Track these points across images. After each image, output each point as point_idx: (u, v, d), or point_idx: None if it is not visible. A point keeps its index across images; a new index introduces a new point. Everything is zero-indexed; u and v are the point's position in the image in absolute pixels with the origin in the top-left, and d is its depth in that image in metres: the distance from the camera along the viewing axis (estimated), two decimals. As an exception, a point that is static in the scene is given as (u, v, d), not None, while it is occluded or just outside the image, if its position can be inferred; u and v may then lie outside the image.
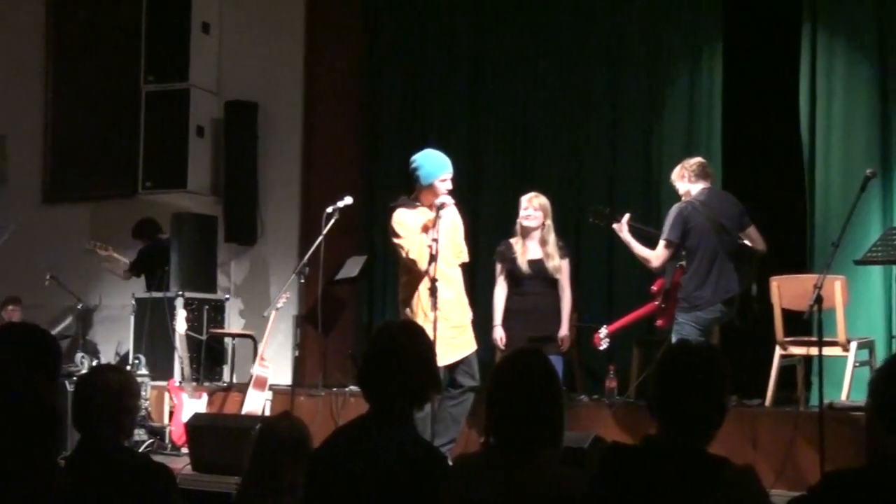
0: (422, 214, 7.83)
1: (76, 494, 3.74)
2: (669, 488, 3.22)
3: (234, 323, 11.48)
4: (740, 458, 3.47)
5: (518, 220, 8.66)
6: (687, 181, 8.15)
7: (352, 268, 10.66)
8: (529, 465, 3.61)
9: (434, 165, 7.86)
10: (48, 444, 2.25)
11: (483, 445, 3.79)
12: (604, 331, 8.47)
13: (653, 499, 3.21)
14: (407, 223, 7.78)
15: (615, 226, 8.28)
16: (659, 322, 8.27)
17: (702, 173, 8.14)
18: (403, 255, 7.72)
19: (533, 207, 8.62)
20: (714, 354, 3.49)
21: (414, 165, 7.89)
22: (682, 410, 3.35)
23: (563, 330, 8.55)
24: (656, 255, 8.07)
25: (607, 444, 6.69)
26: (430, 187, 7.80)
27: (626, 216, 8.25)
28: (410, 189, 7.95)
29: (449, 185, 7.84)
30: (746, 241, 8.13)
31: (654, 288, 8.30)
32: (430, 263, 7.60)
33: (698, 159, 8.28)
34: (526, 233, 8.63)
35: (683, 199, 8.15)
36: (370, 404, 3.91)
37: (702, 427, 3.37)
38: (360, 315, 11.28)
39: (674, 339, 7.81)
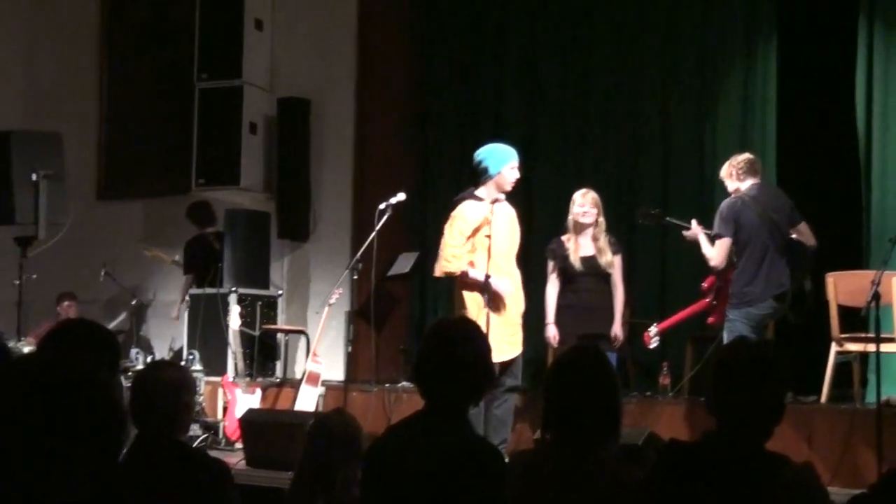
0: (487, 208, 7.87)
1: (134, 490, 3.78)
2: (728, 486, 3.20)
3: (286, 319, 11.52)
4: (795, 456, 3.44)
5: (571, 217, 8.64)
6: (735, 179, 8.08)
7: (404, 264, 10.67)
8: (586, 461, 3.60)
9: (500, 155, 7.93)
10: (115, 440, 2.26)
11: (537, 442, 3.78)
12: (654, 329, 8.43)
13: (711, 496, 3.19)
14: (467, 217, 7.83)
15: (685, 233, 8.24)
16: (710, 319, 8.22)
17: (750, 169, 8.06)
18: (444, 251, 7.82)
19: (589, 204, 8.60)
20: (771, 351, 3.47)
21: (479, 159, 7.92)
22: (740, 408, 3.33)
23: (616, 327, 8.53)
24: (714, 254, 8.00)
25: (663, 441, 6.68)
26: (500, 176, 7.84)
27: (684, 222, 8.26)
28: (476, 185, 7.96)
29: (517, 174, 7.92)
30: (796, 237, 8.06)
31: (705, 285, 8.25)
32: (488, 260, 7.66)
33: (746, 155, 8.21)
34: (579, 229, 8.61)
35: (733, 196, 8.09)
36: (425, 401, 3.90)
37: (760, 424, 3.35)
38: (413, 311, 11.30)
39: (725, 336, 7.77)
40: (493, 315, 7.60)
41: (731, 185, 8.10)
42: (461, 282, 7.84)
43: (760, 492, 3.16)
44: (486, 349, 3.95)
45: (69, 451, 2.19)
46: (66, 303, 11.73)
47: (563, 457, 3.65)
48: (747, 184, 8.03)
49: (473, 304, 7.71)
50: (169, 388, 4.31)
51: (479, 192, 7.90)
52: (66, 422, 2.20)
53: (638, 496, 3.40)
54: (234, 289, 10.75)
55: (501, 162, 7.87)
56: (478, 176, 7.94)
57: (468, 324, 4.13)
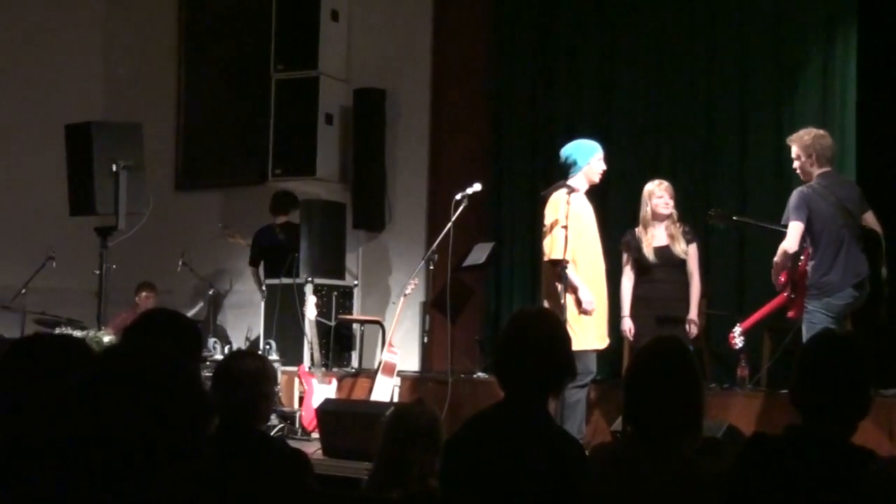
0: (577, 200, 8.07)
1: (215, 478, 3.80)
2: (814, 480, 3.16)
3: (362, 309, 11.56)
4: (877, 450, 3.39)
5: (648, 208, 8.58)
6: (814, 162, 7.85)
7: (479, 254, 10.65)
8: (668, 453, 3.57)
9: (587, 148, 8.23)
10: (201, 430, 2.28)
11: (615, 435, 3.76)
12: (738, 329, 8.30)
13: (797, 490, 3.15)
14: (561, 205, 7.98)
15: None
16: (790, 314, 8.10)
17: (831, 157, 7.86)
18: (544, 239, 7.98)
19: (668, 195, 8.56)
20: (857, 343, 3.43)
21: (566, 155, 8.18)
22: (826, 401, 3.29)
23: (693, 315, 8.47)
24: (788, 240, 7.82)
25: (742, 434, 6.62)
26: (588, 168, 8.14)
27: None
28: (566, 178, 8.17)
29: (604, 165, 8.24)
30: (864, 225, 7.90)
31: (782, 279, 8.13)
32: (564, 250, 7.74)
33: (831, 142, 7.99)
34: (656, 220, 8.56)
35: (804, 186, 7.93)
36: (504, 392, 3.89)
37: (846, 417, 3.31)
38: (487, 301, 11.28)
39: (805, 328, 7.67)
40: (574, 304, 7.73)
41: (805, 166, 7.87)
42: (553, 270, 7.91)
43: (847, 486, 3.12)
44: (566, 340, 3.93)
45: (160, 439, 2.21)
46: (144, 293, 11.84)
47: (644, 450, 3.62)
48: (821, 171, 7.83)
49: (564, 293, 7.82)
50: (249, 377, 4.34)
51: (570, 182, 8.10)
52: (157, 411, 2.22)
53: (721, 490, 3.36)
54: (310, 279, 10.79)
55: (588, 154, 8.16)
56: (566, 171, 8.14)
57: (548, 314, 4.11)
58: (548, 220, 8.08)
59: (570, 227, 7.88)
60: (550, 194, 8.13)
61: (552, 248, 7.98)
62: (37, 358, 2.98)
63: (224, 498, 3.61)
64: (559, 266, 7.87)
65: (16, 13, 13.28)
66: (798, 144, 7.86)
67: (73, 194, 9.12)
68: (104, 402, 2.23)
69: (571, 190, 8.02)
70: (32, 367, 2.96)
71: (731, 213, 8.60)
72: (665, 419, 3.61)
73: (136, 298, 11.80)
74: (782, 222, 7.80)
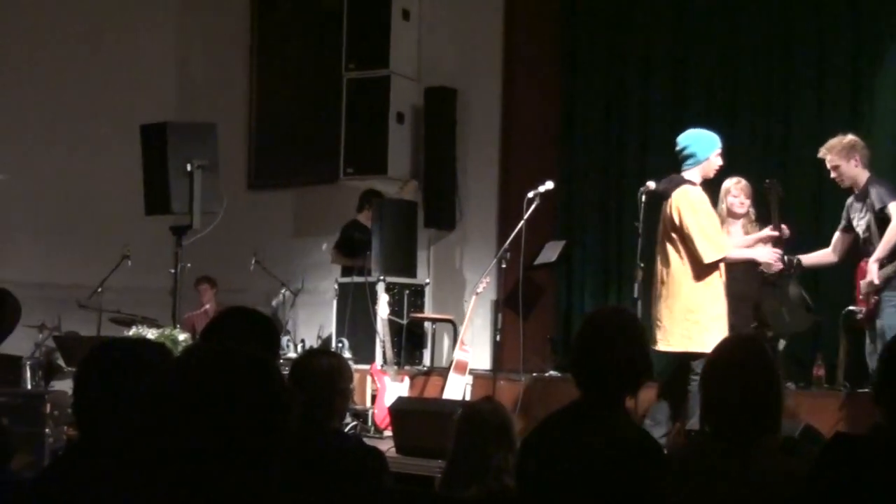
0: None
1: (292, 476, 3.81)
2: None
3: (433, 307, 11.57)
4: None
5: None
6: (860, 165, 7.83)
7: (550, 253, 10.63)
8: (747, 453, 3.53)
9: (707, 141, 7.78)
10: (282, 428, 2.28)
11: (688, 434, 3.72)
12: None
13: (883, 492, 3.10)
14: (697, 203, 7.68)
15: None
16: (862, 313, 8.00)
17: (868, 157, 7.89)
18: (696, 242, 7.59)
19: (744, 195, 8.48)
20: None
21: (684, 145, 7.77)
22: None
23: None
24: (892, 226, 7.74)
25: (819, 434, 6.54)
26: (707, 163, 7.72)
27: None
28: (678, 171, 7.82)
29: (721, 161, 7.79)
30: None
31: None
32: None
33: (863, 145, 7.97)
34: (731, 217, 8.48)
35: (844, 183, 7.85)
36: (581, 391, 3.86)
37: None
38: (559, 300, 11.24)
39: (886, 325, 7.58)
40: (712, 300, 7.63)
41: (849, 170, 7.82)
42: (705, 270, 7.66)
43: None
44: (644, 339, 3.90)
45: (243, 437, 2.21)
46: (203, 286, 11.90)
47: (721, 451, 3.58)
48: (868, 173, 7.83)
49: (711, 291, 7.65)
50: (325, 375, 4.35)
51: (688, 176, 7.72)
52: (241, 409, 2.22)
53: (801, 491, 3.31)
54: (382, 277, 10.80)
55: (709, 148, 7.73)
56: (681, 162, 7.77)
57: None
58: (686, 219, 7.60)
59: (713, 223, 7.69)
60: (671, 191, 7.69)
61: (712, 247, 7.60)
62: (114, 362, 3.01)
63: (302, 495, 3.62)
64: (714, 266, 7.62)
65: (90, 13, 13.42)
66: (834, 153, 7.90)
67: (149, 194, 9.19)
68: (181, 405, 2.24)
69: (692, 185, 7.69)
70: (110, 371, 2.99)
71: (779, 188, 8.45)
72: (744, 418, 3.57)
73: (198, 287, 11.88)
74: (877, 207, 7.73)
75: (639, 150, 10.73)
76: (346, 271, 11.26)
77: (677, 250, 7.64)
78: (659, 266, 7.75)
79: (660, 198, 7.83)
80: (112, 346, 3.12)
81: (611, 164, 10.93)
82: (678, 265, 7.64)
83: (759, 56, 10.29)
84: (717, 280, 7.64)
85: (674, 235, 7.65)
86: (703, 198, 7.70)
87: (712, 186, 8.10)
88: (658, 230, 7.84)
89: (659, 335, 7.63)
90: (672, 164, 9.33)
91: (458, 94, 11.77)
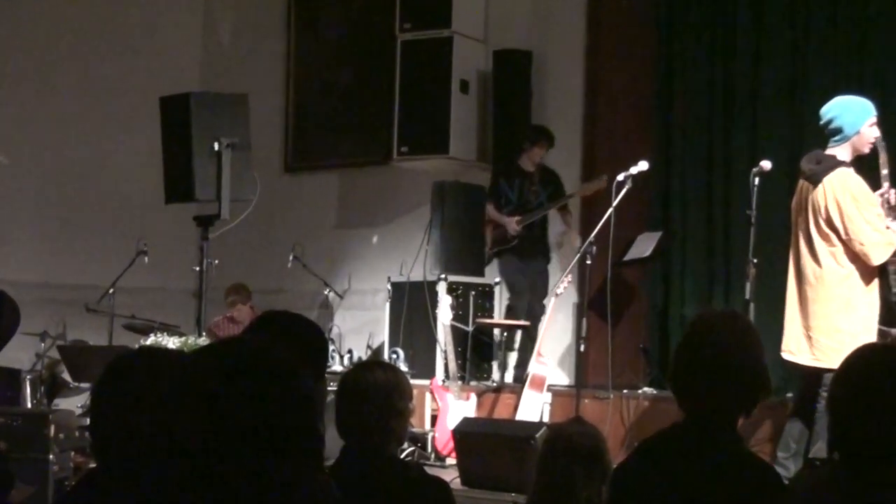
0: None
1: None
2: None
3: (504, 311, 11.55)
4: None
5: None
6: None
7: (643, 246, 10.59)
8: (881, 479, 3.50)
9: (857, 110, 7.63)
10: (312, 453, 2.30)
11: (812, 462, 3.69)
12: None
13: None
14: (868, 194, 7.57)
15: None
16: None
17: None
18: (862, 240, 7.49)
19: None
20: None
21: (830, 117, 7.63)
22: None
23: None
24: None
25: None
26: (858, 137, 7.58)
27: None
28: (824, 148, 7.70)
29: (876, 131, 7.61)
30: None
31: None
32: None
33: None
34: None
35: None
36: (685, 411, 3.83)
37: None
38: (654, 302, 11.18)
39: None
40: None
41: None
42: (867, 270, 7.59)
43: None
44: (760, 348, 3.87)
45: (255, 454, 2.24)
46: (230, 298, 11.77)
47: (852, 476, 3.55)
48: None
49: (870, 296, 7.58)
50: (380, 392, 4.34)
51: (839, 155, 7.59)
52: (257, 417, 2.24)
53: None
54: (443, 276, 10.80)
55: (860, 119, 7.58)
56: (827, 137, 7.66)
57: (738, 319, 4.05)
58: (848, 211, 7.46)
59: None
60: (822, 175, 7.54)
61: (882, 246, 7.50)
62: (130, 382, 3.04)
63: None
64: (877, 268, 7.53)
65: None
66: None
67: (169, 178, 9.23)
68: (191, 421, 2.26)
69: (846, 167, 7.54)
70: (126, 392, 3.02)
71: None
72: (878, 444, 3.53)
73: (232, 298, 11.83)
74: None
75: (749, 126, 10.65)
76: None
77: (831, 247, 7.53)
78: (804, 264, 7.64)
79: (805, 180, 7.69)
80: (134, 359, 3.14)
81: (716, 141, 10.86)
82: (831, 265, 7.54)
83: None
84: (876, 283, 7.57)
85: (827, 230, 7.53)
86: (862, 184, 7.55)
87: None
88: (796, 220, 7.74)
89: (795, 345, 7.57)
90: (787, 144, 9.26)
91: (533, 58, 11.74)
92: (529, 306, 10.72)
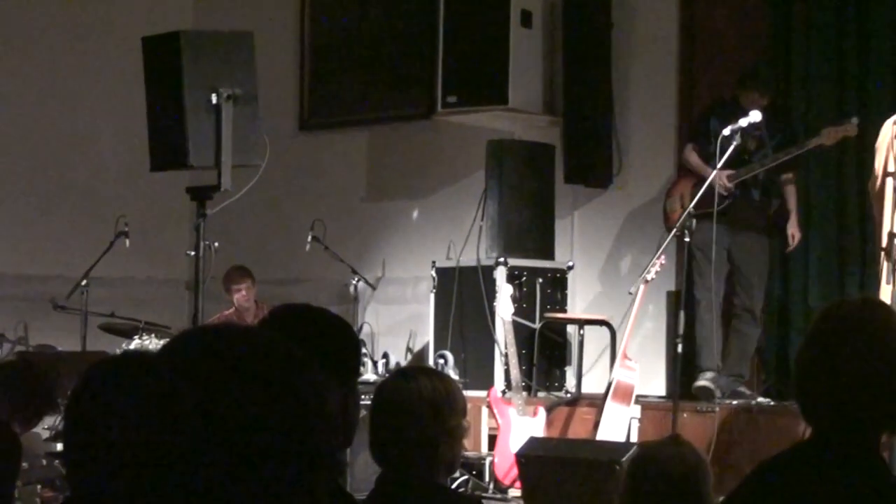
0: None
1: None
2: None
3: (580, 302, 11.57)
4: None
5: None
6: None
7: (757, 220, 10.56)
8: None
9: None
10: (324, 476, 2.32)
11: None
12: None
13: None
14: None
15: None
16: None
17: None
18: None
19: None
20: None
21: None
22: None
23: None
24: None
25: None
26: None
27: None
28: None
29: None
30: None
31: None
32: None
33: None
34: None
35: None
36: (812, 427, 3.84)
37: None
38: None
39: None
40: None
41: None
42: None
43: None
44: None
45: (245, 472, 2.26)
46: (234, 286, 11.87)
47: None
48: None
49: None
50: (424, 406, 4.36)
51: None
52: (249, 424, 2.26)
53: None
54: (501, 259, 10.81)
55: None
56: None
57: (880, 309, 4.03)
58: None
59: None
60: None
61: None
62: (113, 396, 3.05)
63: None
64: None
65: None
66: None
67: (155, 140, 9.23)
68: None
69: None
70: (107, 410, 3.03)
71: None
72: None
73: (228, 295, 11.85)
74: None
75: (890, 70, 10.60)
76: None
77: None
78: None
79: None
80: (115, 369, 3.15)
81: (846, 89, 10.79)
82: None
83: None
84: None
85: None
86: None
87: None
88: None
89: None
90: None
91: (615, -16, 11.75)
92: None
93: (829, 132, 9.80)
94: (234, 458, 2.26)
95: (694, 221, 8.97)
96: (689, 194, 10.06)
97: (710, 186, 9.48)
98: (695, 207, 9.38)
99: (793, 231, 10.31)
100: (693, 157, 10.35)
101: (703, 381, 9.80)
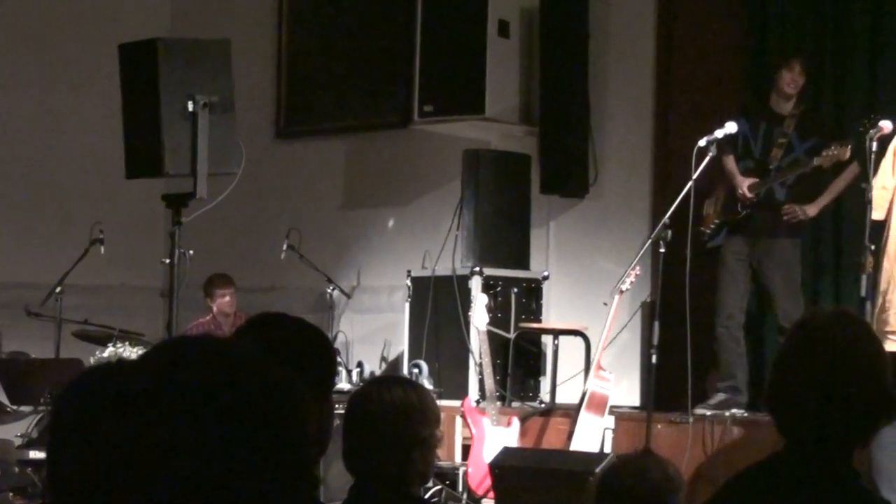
0: None
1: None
2: None
3: (555, 312, 11.58)
4: None
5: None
6: None
7: (734, 229, 10.57)
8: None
9: None
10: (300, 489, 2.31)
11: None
12: None
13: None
14: None
15: None
16: None
17: None
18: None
19: None
20: None
21: None
22: None
23: None
24: None
25: None
26: None
27: None
28: None
29: None
30: None
31: None
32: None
33: None
34: None
35: None
36: (786, 439, 3.85)
37: None
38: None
39: None
40: None
41: None
42: None
43: None
44: (883, 360, 3.86)
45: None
46: (219, 291, 11.87)
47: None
48: None
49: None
50: (398, 416, 4.36)
51: None
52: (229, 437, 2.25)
53: None
54: (476, 268, 10.82)
55: None
56: None
57: (853, 322, 4.04)
58: None
59: None
60: None
61: None
62: (88, 409, 3.04)
63: None
64: None
65: None
66: None
67: (131, 148, 9.23)
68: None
69: None
70: (85, 421, 3.02)
71: None
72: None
73: (210, 301, 11.87)
74: None
75: (867, 76, 10.62)
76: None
77: None
78: None
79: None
80: (100, 378, 3.13)
81: (824, 96, 10.82)
82: None
83: None
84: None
85: None
86: None
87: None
88: None
89: None
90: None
91: (591, -6, 11.77)
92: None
93: (825, 156, 9.52)
94: (215, 470, 2.26)
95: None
96: (723, 200, 10.09)
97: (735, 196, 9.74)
98: (723, 216, 9.67)
99: (808, 208, 9.87)
100: (729, 163, 10.08)
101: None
